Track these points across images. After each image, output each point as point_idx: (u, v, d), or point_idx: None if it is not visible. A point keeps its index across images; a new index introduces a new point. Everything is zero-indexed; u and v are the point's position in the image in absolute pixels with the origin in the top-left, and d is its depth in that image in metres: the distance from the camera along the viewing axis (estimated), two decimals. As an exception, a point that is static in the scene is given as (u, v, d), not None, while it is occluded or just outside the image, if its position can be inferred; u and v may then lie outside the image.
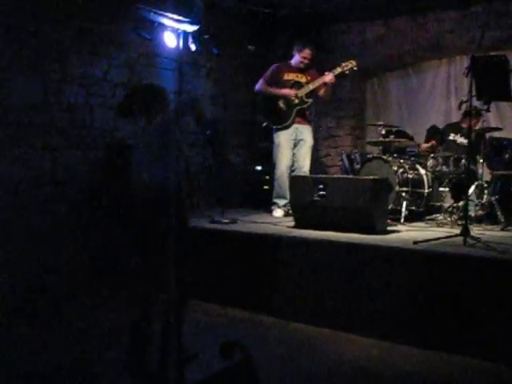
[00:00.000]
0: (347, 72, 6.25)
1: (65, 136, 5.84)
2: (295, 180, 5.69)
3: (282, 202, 6.37)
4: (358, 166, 6.76)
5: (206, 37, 7.10)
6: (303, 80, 6.35)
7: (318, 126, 8.21)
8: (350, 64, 6.19)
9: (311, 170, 6.46)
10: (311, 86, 6.25)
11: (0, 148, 5.27)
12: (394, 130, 6.63)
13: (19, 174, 5.43)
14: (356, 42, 8.08)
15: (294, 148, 6.36)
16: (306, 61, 6.38)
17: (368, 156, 6.67)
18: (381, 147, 6.72)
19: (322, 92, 6.32)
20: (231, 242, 5.12)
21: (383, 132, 6.52)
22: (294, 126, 6.32)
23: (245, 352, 1.67)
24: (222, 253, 5.13)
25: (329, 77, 6.14)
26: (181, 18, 6.58)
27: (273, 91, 6.34)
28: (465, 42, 6.95)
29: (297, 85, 6.32)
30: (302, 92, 6.26)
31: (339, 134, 8.24)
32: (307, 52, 6.36)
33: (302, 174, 6.17)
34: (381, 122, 6.68)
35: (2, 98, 5.29)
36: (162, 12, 6.24)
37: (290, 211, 6.08)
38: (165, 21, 6.53)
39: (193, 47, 7.05)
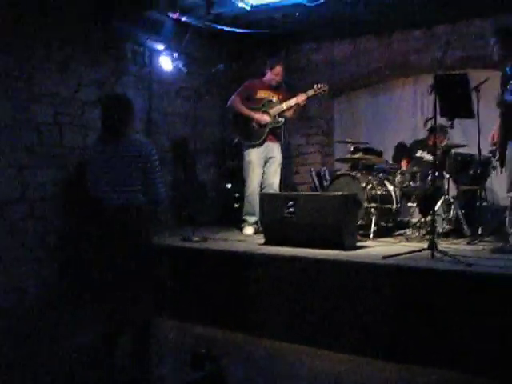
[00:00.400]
0: (319, 95, 6.41)
1: (34, 155, 5.80)
2: (265, 197, 5.72)
3: (252, 219, 6.40)
4: (327, 183, 6.83)
5: (176, 55, 7.18)
6: (275, 99, 6.44)
7: (288, 144, 8.28)
8: (323, 87, 6.35)
9: (281, 188, 6.50)
10: (284, 106, 6.35)
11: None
12: (362, 146, 6.72)
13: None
14: (325, 60, 8.20)
15: (263, 165, 6.40)
16: (277, 78, 6.49)
17: (337, 173, 6.75)
18: (349, 164, 6.81)
19: (290, 113, 6.44)
20: (202, 260, 5.13)
21: (351, 149, 6.61)
22: (266, 143, 6.39)
23: (215, 363, 1.68)
24: (193, 271, 5.13)
25: (301, 98, 6.27)
26: (150, 37, 6.72)
27: (245, 112, 6.40)
28: (430, 61, 7.09)
29: (269, 103, 6.40)
30: (275, 111, 6.35)
31: (308, 152, 8.32)
32: (278, 69, 6.47)
33: (272, 192, 6.22)
34: (349, 139, 6.78)
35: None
36: (133, 31, 6.36)
37: (261, 228, 6.12)
38: (134, 39, 6.67)
39: (166, 66, 7.12)
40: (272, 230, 5.36)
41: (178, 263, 5.22)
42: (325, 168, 7.45)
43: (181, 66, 7.27)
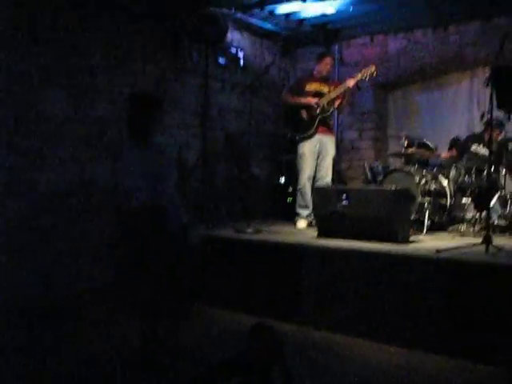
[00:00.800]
0: (368, 78, 6.33)
1: (93, 149, 6.01)
2: (318, 190, 5.78)
3: (305, 212, 6.45)
4: (380, 178, 6.81)
5: (231, 52, 7.30)
6: (325, 90, 6.45)
7: (341, 139, 8.31)
8: (370, 68, 6.28)
9: (334, 182, 6.53)
10: (333, 95, 6.36)
11: (32, 159, 5.45)
12: (416, 141, 6.67)
13: (51, 184, 5.61)
14: (378, 54, 8.16)
15: (317, 159, 6.45)
16: (327, 67, 6.53)
17: (390, 168, 6.73)
18: (403, 159, 6.78)
19: (341, 101, 6.44)
20: (256, 251, 5.21)
21: (405, 144, 6.57)
22: (318, 136, 6.41)
23: (273, 333, 1.76)
24: (246, 262, 5.22)
25: (350, 82, 6.26)
26: (205, 33, 6.84)
27: (296, 100, 6.46)
28: (486, 54, 6.99)
29: (319, 94, 6.42)
30: (324, 100, 6.36)
31: (362, 146, 8.31)
32: (327, 60, 6.53)
33: (314, 186, 6.28)
34: (403, 134, 6.74)
35: (35, 111, 5.48)
36: (191, 27, 6.49)
37: (313, 221, 6.16)
38: (193, 35, 6.80)
39: (221, 62, 7.25)
40: (325, 223, 5.40)
41: (231, 254, 5.32)
42: (378, 163, 7.43)
43: (235, 61, 7.40)
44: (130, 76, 6.39)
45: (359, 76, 6.30)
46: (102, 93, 6.06)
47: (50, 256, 5.44)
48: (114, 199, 5.23)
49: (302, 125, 6.44)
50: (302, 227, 6.33)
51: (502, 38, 4.58)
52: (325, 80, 6.56)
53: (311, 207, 6.28)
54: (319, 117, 6.38)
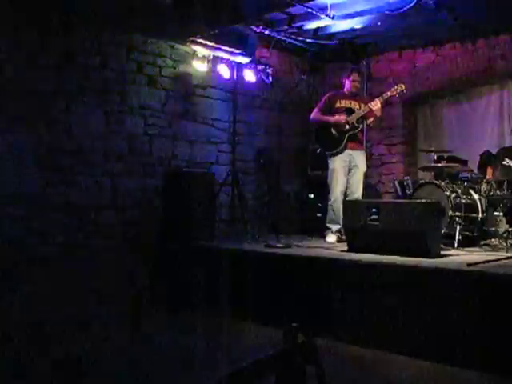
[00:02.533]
0: (397, 95, 6.39)
1: (124, 164, 6.13)
2: (348, 204, 5.77)
3: (335, 227, 6.45)
4: (410, 192, 6.78)
5: (260, 67, 7.39)
6: (356, 106, 6.48)
7: (370, 154, 8.30)
8: (400, 88, 6.31)
9: (364, 197, 6.52)
10: (362, 112, 6.39)
11: (65, 174, 5.59)
12: (446, 155, 6.64)
13: (83, 199, 5.74)
14: (407, 69, 8.17)
15: (348, 174, 6.46)
16: (356, 84, 6.56)
17: (420, 181, 6.69)
18: (433, 173, 6.74)
19: (371, 119, 6.46)
20: (286, 266, 5.22)
21: (435, 158, 6.55)
22: (348, 151, 6.42)
23: (308, 336, 1.80)
24: (276, 277, 5.23)
25: (379, 101, 6.29)
26: (235, 50, 6.95)
27: (325, 119, 6.50)
28: (516, 67, 6.96)
29: (349, 111, 6.45)
30: (353, 118, 6.39)
31: (391, 161, 8.30)
32: (355, 76, 6.57)
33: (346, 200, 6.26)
34: (432, 148, 6.71)
35: (68, 127, 5.64)
36: (216, 45, 6.62)
37: (344, 237, 6.15)
38: (219, 53, 6.94)
39: (250, 78, 7.34)
40: (355, 237, 5.39)
41: (261, 268, 5.34)
42: (408, 177, 7.39)
43: (264, 78, 7.48)
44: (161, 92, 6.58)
45: (389, 94, 6.33)
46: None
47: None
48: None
49: (332, 141, 6.46)
50: (332, 241, 6.33)
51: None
52: (354, 96, 6.60)
53: (341, 222, 6.28)
54: (349, 133, 6.40)
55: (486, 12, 6.69)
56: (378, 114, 6.37)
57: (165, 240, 6.24)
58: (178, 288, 5.89)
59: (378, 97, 6.40)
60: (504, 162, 6.24)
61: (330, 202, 6.48)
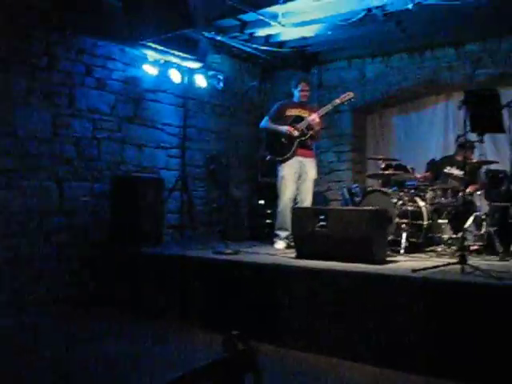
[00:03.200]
0: (346, 103, 6.44)
1: (72, 168, 6.02)
2: (296, 211, 5.79)
3: (283, 233, 6.46)
4: (358, 199, 6.87)
5: (211, 73, 7.37)
6: (305, 114, 6.51)
7: (319, 161, 8.38)
8: (348, 95, 6.38)
9: (313, 204, 6.57)
10: (310, 119, 6.41)
11: (10, 178, 5.45)
12: (393, 163, 6.76)
13: (27, 203, 5.60)
14: (356, 78, 8.31)
15: (297, 181, 6.49)
16: (304, 93, 6.58)
17: (368, 189, 6.80)
18: (380, 180, 6.86)
19: (318, 125, 6.44)
20: (234, 272, 5.20)
21: (383, 165, 6.66)
22: (298, 159, 6.45)
23: (246, 343, 1.78)
24: (225, 282, 5.21)
25: (327, 108, 6.39)
26: (186, 55, 6.91)
27: (274, 127, 6.51)
28: (461, 79, 7.15)
29: (298, 119, 6.48)
30: (302, 125, 6.41)
31: (340, 169, 8.41)
32: (303, 85, 6.58)
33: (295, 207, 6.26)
34: (380, 156, 6.82)
35: (14, 130, 5.50)
36: (166, 49, 6.58)
37: (292, 243, 6.19)
38: (170, 58, 6.89)
39: (201, 84, 7.32)
40: (303, 244, 5.42)
41: (209, 275, 5.31)
42: (356, 185, 7.51)
43: (215, 84, 7.47)
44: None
45: (338, 101, 6.39)
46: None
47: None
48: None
49: (281, 148, 6.47)
50: (281, 248, 6.35)
51: (474, 62, 4.70)
52: (304, 104, 6.63)
53: (290, 229, 6.31)
54: (298, 140, 6.43)
55: (432, 25, 6.87)
56: (317, 126, 6.39)
57: (112, 245, 6.15)
58: (124, 294, 5.81)
59: (326, 105, 6.46)
60: (445, 170, 6.41)
61: (278, 209, 6.50)
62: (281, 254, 5.85)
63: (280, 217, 6.48)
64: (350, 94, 6.39)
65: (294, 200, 6.48)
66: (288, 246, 6.33)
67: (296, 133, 6.41)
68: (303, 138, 6.45)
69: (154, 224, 6.37)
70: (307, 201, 6.48)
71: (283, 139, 6.45)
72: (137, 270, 5.82)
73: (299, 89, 6.57)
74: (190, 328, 5.06)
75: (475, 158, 6.25)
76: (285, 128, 6.42)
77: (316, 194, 6.84)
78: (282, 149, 6.47)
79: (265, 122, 6.67)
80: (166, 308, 5.42)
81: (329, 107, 6.39)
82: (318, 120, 6.34)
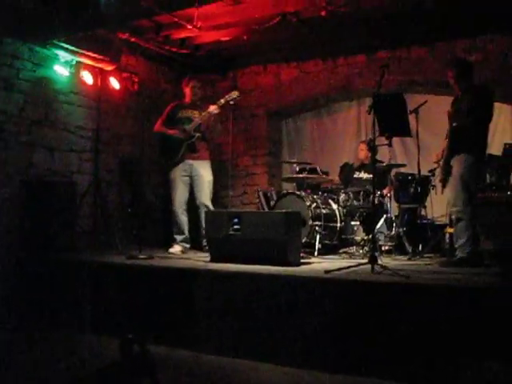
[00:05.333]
0: (232, 102, 6.24)
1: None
2: (210, 215, 5.76)
3: (179, 237, 6.36)
4: (273, 203, 6.94)
5: (125, 75, 7.24)
6: (195, 115, 6.36)
7: (236, 165, 8.42)
8: (233, 94, 6.23)
9: (228, 207, 6.56)
10: (198, 120, 6.29)
11: None
12: (307, 167, 6.88)
13: None
14: (272, 82, 8.40)
15: (192, 184, 6.37)
16: (196, 91, 6.46)
17: (282, 192, 6.88)
18: (295, 184, 6.96)
19: (207, 126, 6.33)
20: (148, 277, 5.12)
21: (297, 169, 6.76)
22: (188, 162, 6.32)
23: (143, 346, 1.75)
24: (138, 287, 5.11)
25: (213, 108, 6.21)
26: (99, 56, 6.75)
27: (163, 130, 6.39)
28: (372, 85, 7.35)
29: (188, 120, 6.34)
30: (191, 127, 6.28)
31: (256, 172, 8.46)
32: (194, 83, 6.48)
33: (204, 210, 6.17)
34: (294, 160, 6.92)
35: None
36: (78, 50, 6.41)
37: (189, 246, 6.20)
38: (83, 59, 6.71)
39: (114, 85, 7.17)
40: (218, 248, 5.39)
41: (123, 281, 5.20)
42: (272, 188, 7.57)
43: (129, 86, 7.33)
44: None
45: (222, 101, 6.23)
46: None
47: None
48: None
49: (170, 151, 6.35)
50: (176, 252, 6.23)
51: (382, 69, 4.85)
52: (196, 105, 6.49)
53: (186, 232, 6.29)
54: (185, 143, 6.29)
55: (345, 33, 7.05)
56: (206, 127, 6.31)
57: (22, 251, 5.90)
58: (32, 301, 5.59)
59: (213, 105, 6.27)
60: (355, 175, 6.59)
61: (171, 213, 6.38)
62: (195, 257, 5.81)
63: (173, 220, 6.38)
64: (235, 93, 6.25)
65: (194, 202, 6.36)
66: (183, 251, 6.27)
67: (182, 135, 6.28)
68: (192, 141, 6.31)
69: (65, 230, 6.18)
70: (206, 202, 6.33)
71: (172, 143, 6.33)
72: (46, 277, 5.61)
73: (189, 87, 6.47)
74: (100, 336, 4.93)
75: (385, 162, 6.44)
76: (172, 131, 6.31)
77: (231, 198, 6.84)
78: (171, 152, 6.35)
79: (156, 126, 6.51)
80: (73, 316, 5.25)
81: (215, 107, 6.23)
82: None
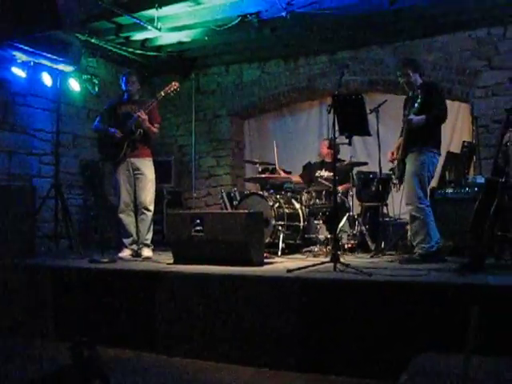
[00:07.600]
0: (172, 93, 6.08)
1: None
2: (172, 217, 5.72)
3: (127, 241, 6.14)
4: (236, 203, 6.93)
5: (85, 77, 7.15)
6: (135, 111, 6.05)
7: (199, 166, 8.40)
8: (173, 86, 6.04)
9: (192, 208, 6.52)
10: (139, 117, 5.98)
11: None
12: (270, 167, 6.89)
13: None
14: (234, 83, 8.40)
15: (135, 182, 6.09)
16: (131, 88, 6.16)
17: (246, 192, 6.88)
18: (258, 184, 6.97)
19: (147, 122, 6.00)
20: (110, 281, 5.06)
21: (260, 169, 6.77)
22: (130, 160, 6.06)
23: (93, 349, 1.74)
24: (101, 292, 5.05)
25: (152, 103, 6.04)
26: (57, 58, 6.65)
27: (103, 129, 6.14)
28: (334, 85, 7.42)
29: (128, 116, 6.06)
30: (131, 124, 6.01)
31: (219, 173, 8.45)
32: (130, 78, 6.17)
33: (142, 211, 6.02)
34: (257, 160, 6.93)
35: None
36: (36, 51, 6.30)
37: (139, 250, 6.02)
38: (41, 60, 6.60)
39: (75, 87, 7.08)
40: (180, 249, 5.37)
41: (85, 285, 5.13)
42: (235, 189, 7.55)
43: (90, 88, 7.26)
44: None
45: (162, 93, 6.04)
46: None
47: None
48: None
49: (112, 150, 6.09)
50: (124, 256, 6.01)
51: (343, 69, 4.90)
52: (134, 101, 6.21)
53: (134, 234, 6.09)
54: (126, 141, 6.03)
55: (306, 33, 7.10)
56: (145, 123, 5.97)
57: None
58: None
59: (152, 99, 6.11)
60: (316, 174, 6.63)
61: (117, 215, 6.15)
62: (158, 259, 5.77)
63: (120, 223, 6.14)
64: (176, 85, 6.05)
65: (135, 203, 6.13)
66: (134, 254, 6.08)
67: (120, 134, 6.00)
68: (132, 138, 6.04)
69: (25, 234, 6.06)
70: (145, 203, 6.06)
71: (112, 141, 6.05)
72: (3, 283, 5.50)
73: (127, 84, 6.15)
74: (60, 341, 4.85)
75: (346, 160, 6.50)
76: (112, 129, 6.02)
77: (195, 200, 6.82)
78: (113, 151, 6.08)
79: (96, 123, 6.27)
80: (34, 321, 5.16)
81: (154, 101, 6.04)
82: (144, 116, 5.93)
